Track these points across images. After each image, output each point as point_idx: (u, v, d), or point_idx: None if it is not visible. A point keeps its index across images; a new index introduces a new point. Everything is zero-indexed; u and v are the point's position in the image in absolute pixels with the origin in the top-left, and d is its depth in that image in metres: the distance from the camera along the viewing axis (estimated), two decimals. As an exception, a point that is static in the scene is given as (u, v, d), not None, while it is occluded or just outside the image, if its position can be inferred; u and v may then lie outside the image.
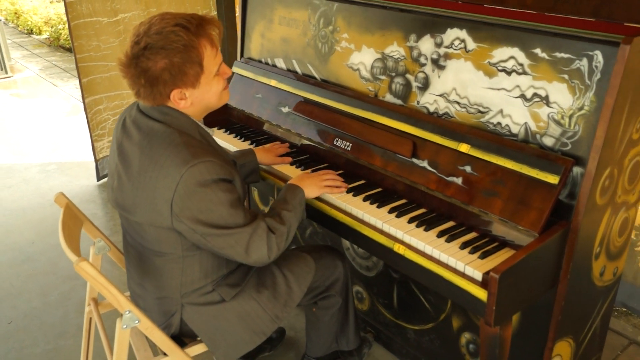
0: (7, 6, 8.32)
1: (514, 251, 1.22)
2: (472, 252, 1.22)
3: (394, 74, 1.55)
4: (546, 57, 1.22)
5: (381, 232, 1.35)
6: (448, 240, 1.27)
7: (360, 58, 1.64)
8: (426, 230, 1.32)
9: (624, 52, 1.08)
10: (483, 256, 1.21)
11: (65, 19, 2.89)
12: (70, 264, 1.16)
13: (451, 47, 1.40)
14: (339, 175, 1.59)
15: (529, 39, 1.24)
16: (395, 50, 1.53)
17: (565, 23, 1.23)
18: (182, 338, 1.39)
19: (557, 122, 1.22)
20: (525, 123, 1.28)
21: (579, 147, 1.19)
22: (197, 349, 1.37)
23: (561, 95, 1.21)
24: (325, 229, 1.89)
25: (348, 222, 1.41)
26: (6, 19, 8.29)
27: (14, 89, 5.26)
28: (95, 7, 2.87)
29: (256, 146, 1.80)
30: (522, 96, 1.27)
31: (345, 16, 1.66)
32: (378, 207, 1.43)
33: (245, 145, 1.83)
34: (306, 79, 1.79)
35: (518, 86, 1.28)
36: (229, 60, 3.06)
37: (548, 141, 1.24)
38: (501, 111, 1.32)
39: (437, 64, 1.44)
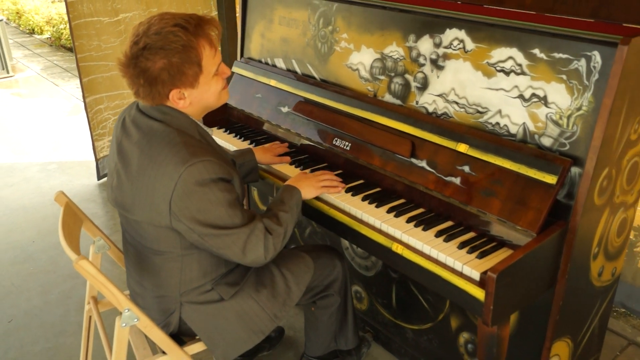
0: (9, 6, 8.34)
1: (512, 251, 1.22)
2: (470, 251, 1.23)
3: (393, 74, 1.55)
4: (544, 57, 1.22)
5: (380, 231, 1.35)
6: (446, 240, 1.27)
7: (359, 58, 1.64)
8: (424, 230, 1.32)
9: (621, 53, 1.08)
10: (481, 256, 1.21)
11: (66, 18, 2.89)
12: (70, 262, 1.16)
13: (450, 48, 1.40)
14: (338, 175, 1.59)
15: (528, 40, 1.24)
16: (395, 50, 1.54)
17: (563, 24, 1.23)
18: (181, 336, 1.40)
19: (555, 123, 1.22)
20: (524, 123, 1.28)
21: (577, 148, 1.19)
22: (196, 347, 1.38)
23: (559, 96, 1.21)
24: (325, 229, 1.90)
25: (347, 222, 1.41)
26: (8, 19, 8.31)
27: (15, 89, 5.28)
28: (96, 7, 2.88)
29: (256, 146, 1.80)
30: (521, 96, 1.27)
31: (345, 16, 1.66)
32: (377, 206, 1.43)
33: (245, 144, 1.84)
34: (306, 79, 1.79)
35: (516, 86, 1.28)
36: (230, 60, 3.06)
37: (546, 141, 1.24)
38: (500, 111, 1.32)
39: (436, 64, 1.44)
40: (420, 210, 1.42)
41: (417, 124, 1.44)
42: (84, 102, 3.02)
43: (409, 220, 1.36)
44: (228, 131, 1.95)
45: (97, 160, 3.22)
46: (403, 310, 1.78)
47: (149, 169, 1.17)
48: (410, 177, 1.43)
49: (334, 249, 1.59)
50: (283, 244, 1.29)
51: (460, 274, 1.18)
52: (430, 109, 1.47)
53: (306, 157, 1.73)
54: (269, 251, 1.24)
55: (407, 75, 1.52)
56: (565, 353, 1.43)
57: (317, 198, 1.48)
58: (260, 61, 2.00)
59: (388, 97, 1.57)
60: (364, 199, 1.47)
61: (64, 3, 2.89)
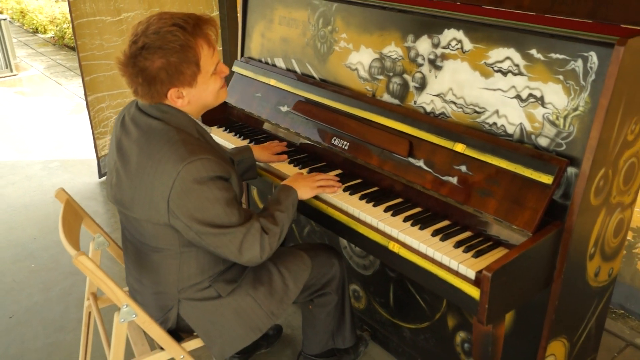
0: (13, 5, 8.38)
1: (507, 250, 1.23)
2: (466, 251, 1.23)
3: (391, 74, 1.56)
4: (542, 58, 1.23)
5: (377, 230, 1.36)
6: (442, 239, 1.28)
7: (358, 58, 1.65)
8: (421, 229, 1.33)
9: (618, 54, 1.09)
10: (477, 255, 1.22)
11: (69, 18, 2.91)
12: (71, 260, 1.18)
13: (448, 48, 1.41)
14: (337, 174, 1.60)
15: (525, 40, 1.25)
16: (393, 50, 1.54)
17: (561, 24, 1.23)
18: (179, 333, 1.41)
19: (552, 123, 1.23)
20: (521, 123, 1.28)
21: (573, 148, 1.20)
22: (194, 343, 1.39)
23: (556, 96, 1.21)
24: (323, 228, 1.90)
25: (344, 221, 1.42)
26: (12, 18, 8.35)
27: (18, 87, 5.31)
28: (99, 6, 2.90)
29: (254, 145, 1.81)
30: (518, 97, 1.28)
31: (344, 16, 1.67)
32: (374, 205, 1.44)
33: (244, 144, 1.85)
34: (305, 79, 1.80)
35: (514, 87, 1.28)
36: (231, 59, 3.08)
37: (543, 141, 1.25)
38: (497, 111, 1.32)
39: (434, 64, 1.45)
40: (417, 209, 1.43)
41: (415, 123, 1.45)
42: (86, 100, 3.04)
43: (405, 219, 1.37)
44: (228, 130, 1.96)
45: (98, 158, 3.24)
46: (400, 310, 1.78)
47: (148, 167, 1.18)
48: (408, 176, 1.43)
49: (332, 248, 1.59)
50: (279, 243, 1.30)
51: (456, 273, 1.19)
52: (428, 109, 1.47)
53: (305, 156, 1.74)
54: (264, 250, 1.25)
55: (405, 75, 1.52)
56: (561, 353, 1.43)
57: (316, 197, 1.49)
58: (260, 61, 2.01)
59: (386, 97, 1.58)
60: (361, 198, 1.47)
61: (67, 2, 2.91)
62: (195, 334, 1.39)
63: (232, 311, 1.34)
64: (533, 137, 1.26)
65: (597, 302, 1.50)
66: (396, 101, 1.56)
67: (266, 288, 1.38)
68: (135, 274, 1.38)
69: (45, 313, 2.14)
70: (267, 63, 1.98)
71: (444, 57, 1.42)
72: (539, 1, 1.48)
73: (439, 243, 1.27)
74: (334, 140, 1.62)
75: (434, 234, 1.30)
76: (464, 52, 1.37)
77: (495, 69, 1.31)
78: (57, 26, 7.14)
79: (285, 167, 1.67)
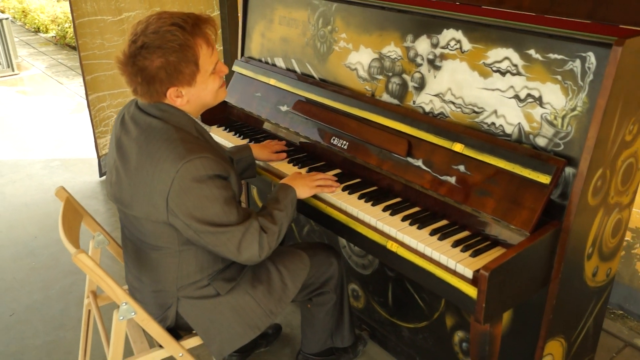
0: (15, 4, 8.40)
1: (505, 250, 1.23)
2: (463, 250, 1.24)
3: (390, 74, 1.57)
4: (540, 58, 1.23)
5: (375, 229, 1.36)
6: (440, 239, 1.29)
7: (358, 58, 1.65)
8: (419, 228, 1.33)
9: (616, 54, 1.09)
10: (474, 254, 1.22)
11: (71, 17, 2.93)
12: (71, 258, 1.18)
13: (447, 48, 1.41)
14: (335, 174, 1.61)
15: (523, 40, 1.25)
16: (392, 50, 1.55)
17: (560, 25, 1.24)
18: (178, 331, 1.41)
19: (550, 123, 1.23)
20: (519, 123, 1.29)
21: (571, 148, 1.20)
22: (192, 341, 1.39)
23: (554, 96, 1.22)
24: (322, 227, 1.91)
25: (343, 220, 1.42)
26: (14, 17, 8.37)
27: (20, 86, 5.32)
28: (100, 6, 2.91)
29: (254, 144, 1.82)
30: (516, 97, 1.28)
31: (344, 16, 1.68)
32: (373, 205, 1.44)
33: (244, 143, 1.85)
34: (305, 78, 1.80)
35: (512, 87, 1.29)
36: (232, 59, 3.08)
37: (541, 141, 1.25)
38: (495, 111, 1.33)
39: (433, 64, 1.45)
40: (416, 209, 1.43)
41: (414, 123, 1.45)
42: (87, 99, 3.05)
43: (404, 219, 1.37)
44: (228, 129, 1.97)
45: (99, 157, 3.25)
46: (399, 309, 1.79)
47: (147, 165, 1.19)
48: (407, 176, 1.44)
49: (331, 247, 1.60)
50: (277, 242, 1.31)
51: (454, 272, 1.19)
52: (427, 109, 1.48)
53: (304, 156, 1.74)
54: (263, 249, 1.26)
55: (404, 75, 1.53)
56: (558, 352, 1.44)
57: (315, 196, 1.50)
58: (260, 60, 2.02)
59: (386, 97, 1.58)
60: (360, 198, 1.48)
61: (68, 2, 2.92)
62: (194, 332, 1.39)
63: (230, 309, 1.35)
64: (531, 137, 1.27)
65: (595, 302, 1.50)
66: (395, 101, 1.56)
67: (265, 287, 1.39)
68: (134, 272, 1.39)
69: (45, 311, 2.14)
70: (267, 63, 1.99)
71: (442, 57, 1.42)
72: (538, 1, 1.48)
73: (437, 242, 1.28)
74: (333, 139, 1.63)
75: (432, 233, 1.31)
76: (462, 52, 1.38)
77: (494, 69, 1.32)
78: (58, 25, 7.16)
79: (284, 167, 1.67)
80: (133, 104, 1.30)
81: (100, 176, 3.30)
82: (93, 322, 1.62)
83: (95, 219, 1.53)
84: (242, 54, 2.10)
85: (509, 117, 1.30)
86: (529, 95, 1.26)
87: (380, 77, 1.60)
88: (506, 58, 1.29)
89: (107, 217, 2.86)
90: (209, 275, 1.35)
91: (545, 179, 1.19)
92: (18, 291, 2.27)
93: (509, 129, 1.31)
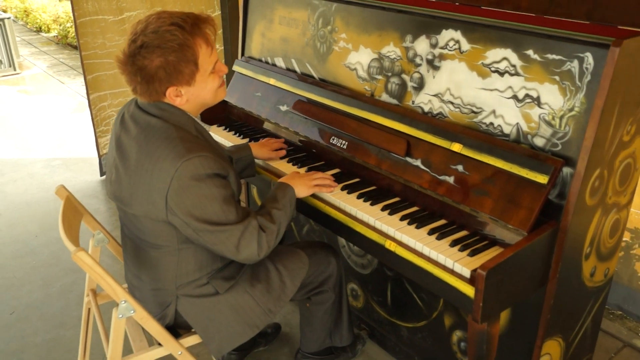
0: (17, 4, 8.43)
1: (503, 249, 1.23)
2: (461, 249, 1.24)
3: (390, 74, 1.57)
4: (538, 58, 1.23)
5: (373, 229, 1.37)
6: (438, 238, 1.29)
7: (357, 58, 1.66)
8: (417, 227, 1.34)
9: (613, 55, 1.10)
10: (472, 254, 1.23)
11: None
12: (71, 257, 1.19)
13: (446, 48, 1.41)
14: (335, 173, 1.61)
15: (522, 41, 1.26)
16: (392, 50, 1.55)
17: (558, 25, 1.24)
18: (177, 329, 1.42)
19: (548, 123, 1.24)
20: (517, 123, 1.29)
21: (569, 148, 1.20)
22: (191, 340, 1.40)
23: (552, 97, 1.22)
24: (321, 226, 1.92)
25: (342, 219, 1.43)
26: (16, 17, 8.39)
27: (22, 86, 5.34)
28: (101, 5, 2.92)
29: (253, 142, 1.82)
30: (515, 97, 1.29)
31: (344, 16, 1.68)
32: (371, 204, 1.45)
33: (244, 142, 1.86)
34: (305, 78, 1.81)
35: (510, 87, 1.29)
36: (232, 59, 3.09)
37: (539, 141, 1.26)
38: (494, 111, 1.33)
39: (432, 64, 1.45)
40: (415, 208, 1.44)
41: (413, 123, 1.45)
42: (88, 99, 3.06)
43: (402, 218, 1.38)
44: (228, 129, 1.98)
45: (100, 156, 3.26)
46: (398, 308, 1.79)
47: (147, 164, 1.19)
48: (405, 175, 1.44)
49: (330, 246, 1.60)
50: (276, 241, 1.31)
51: (451, 272, 1.20)
52: (426, 109, 1.48)
53: (304, 155, 1.75)
54: (262, 248, 1.26)
55: (403, 75, 1.53)
56: (556, 352, 1.44)
57: (314, 196, 1.50)
58: (260, 60, 2.02)
59: (385, 97, 1.59)
60: (359, 197, 1.48)
61: (69, 1, 2.93)
62: (193, 330, 1.40)
63: (229, 308, 1.36)
64: (529, 137, 1.27)
65: (593, 302, 1.51)
66: (394, 101, 1.57)
67: (263, 285, 1.39)
68: (134, 270, 1.40)
69: (46, 309, 2.15)
70: (267, 62, 1.99)
71: (441, 57, 1.43)
72: (537, 2, 1.49)
73: (435, 242, 1.28)
74: (333, 139, 1.63)
75: (430, 232, 1.31)
76: (461, 53, 1.38)
77: (492, 69, 1.32)
78: (60, 25, 7.18)
79: (284, 166, 1.68)
80: (133, 103, 1.31)
81: (101, 175, 3.31)
82: (93, 320, 1.62)
83: (95, 218, 1.54)
84: (243, 54, 2.11)
85: (507, 117, 1.31)
86: (527, 95, 1.27)
87: (379, 77, 1.60)
88: (504, 58, 1.30)
89: (107, 216, 2.87)
90: (208, 273, 1.35)
91: (543, 179, 1.19)
92: (18, 289, 2.28)
93: (507, 129, 1.31)
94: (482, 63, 1.34)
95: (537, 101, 1.25)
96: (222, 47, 3.13)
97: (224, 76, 1.34)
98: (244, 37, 2.09)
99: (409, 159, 1.44)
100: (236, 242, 1.23)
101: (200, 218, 1.19)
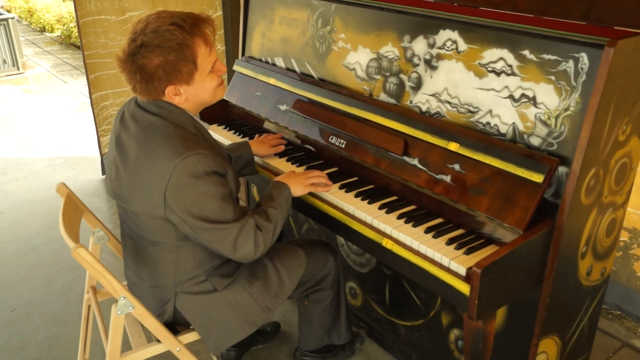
0: (21, 4, 8.47)
1: (499, 248, 1.24)
2: (457, 248, 1.25)
3: (388, 74, 1.58)
4: (534, 58, 1.24)
5: (371, 227, 1.38)
6: (435, 237, 1.30)
7: (356, 58, 1.67)
8: (414, 226, 1.35)
9: (608, 55, 1.10)
10: (468, 252, 1.24)
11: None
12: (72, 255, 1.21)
13: (443, 48, 1.43)
14: (333, 172, 1.63)
15: (518, 41, 1.27)
16: (390, 50, 1.57)
17: (554, 26, 1.25)
18: (176, 326, 1.43)
19: (544, 123, 1.24)
20: (513, 123, 1.30)
21: (564, 147, 1.21)
22: (190, 336, 1.41)
23: (548, 96, 1.23)
24: (319, 225, 1.93)
25: (339, 218, 1.44)
26: (20, 17, 8.44)
27: (25, 85, 5.37)
28: (104, 5, 2.94)
29: (252, 140, 1.83)
30: (511, 97, 1.30)
31: (343, 17, 1.69)
32: (369, 203, 1.46)
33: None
34: (304, 78, 1.82)
35: (507, 87, 1.30)
36: (233, 59, 3.10)
37: (535, 141, 1.26)
38: (490, 111, 1.34)
39: (429, 64, 1.47)
40: (412, 207, 1.45)
41: (411, 122, 1.47)
42: (90, 98, 3.08)
43: (399, 217, 1.39)
44: (228, 128, 1.99)
45: (102, 155, 3.28)
46: (396, 307, 1.80)
47: (146, 161, 1.21)
48: (403, 174, 1.45)
49: (328, 244, 1.61)
50: (273, 240, 1.32)
51: (448, 269, 1.21)
52: (424, 108, 1.49)
53: (303, 154, 1.76)
54: (259, 247, 1.27)
55: (401, 75, 1.54)
56: (553, 351, 1.45)
57: (312, 194, 1.51)
58: (260, 60, 2.04)
59: (383, 97, 1.60)
60: (357, 196, 1.50)
61: (72, 1, 2.96)
62: (191, 327, 1.41)
63: (227, 305, 1.37)
64: (525, 136, 1.28)
65: (590, 301, 1.51)
66: (392, 100, 1.58)
67: (261, 283, 1.40)
68: (133, 267, 1.41)
69: (47, 307, 2.17)
70: (267, 62, 2.01)
71: (439, 57, 1.44)
72: (534, 3, 1.50)
73: (432, 240, 1.29)
74: (332, 138, 1.65)
75: (427, 231, 1.32)
76: (458, 53, 1.39)
77: (489, 69, 1.33)
78: (64, 25, 7.21)
79: (283, 165, 1.69)
80: (133, 101, 1.32)
81: (103, 174, 3.33)
82: (93, 317, 1.64)
83: (95, 215, 1.56)
84: (243, 54, 2.13)
85: (504, 116, 1.32)
86: (523, 95, 1.27)
87: (378, 77, 1.61)
88: (501, 58, 1.31)
89: (109, 214, 2.89)
90: (207, 271, 1.37)
91: (538, 178, 1.20)
92: (20, 287, 2.30)
93: (503, 129, 1.32)
94: (479, 63, 1.35)
95: (533, 101, 1.26)
96: (224, 47, 3.15)
97: (224, 75, 1.35)
98: (245, 37, 2.10)
99: (406, 158, 1.45)
100: (233, 241, 1.24)
101: (197, 215, 1.20)
